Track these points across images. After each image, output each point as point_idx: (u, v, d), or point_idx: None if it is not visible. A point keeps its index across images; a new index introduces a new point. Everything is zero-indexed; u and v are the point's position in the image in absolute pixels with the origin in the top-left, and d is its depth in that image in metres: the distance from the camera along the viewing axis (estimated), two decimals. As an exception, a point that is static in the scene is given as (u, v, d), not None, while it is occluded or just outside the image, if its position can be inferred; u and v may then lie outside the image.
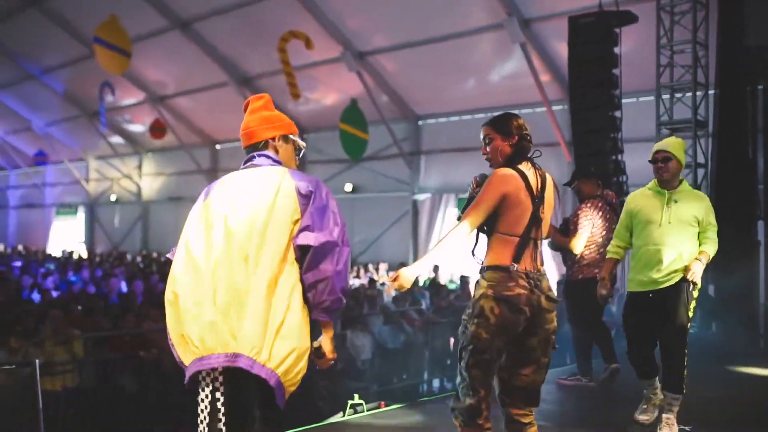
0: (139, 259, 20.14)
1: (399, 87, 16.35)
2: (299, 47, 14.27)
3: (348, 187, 18.27)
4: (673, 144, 4.33)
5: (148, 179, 24.29)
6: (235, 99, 17.83)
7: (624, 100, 9.23)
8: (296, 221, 2.69)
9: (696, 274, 4.14)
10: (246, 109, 3.06)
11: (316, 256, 2.67)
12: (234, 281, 2.60)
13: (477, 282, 3.21)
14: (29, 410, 4.50)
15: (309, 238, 2.66)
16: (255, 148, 2.97)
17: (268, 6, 14.73)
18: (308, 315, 2.70)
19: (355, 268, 16.23)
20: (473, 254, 3.31)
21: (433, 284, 13.73)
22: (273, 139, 2.98)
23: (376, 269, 16.29)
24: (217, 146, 21.82)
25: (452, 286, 13.74)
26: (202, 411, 2.64)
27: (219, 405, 2.63)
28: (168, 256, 2.90)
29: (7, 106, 23.49)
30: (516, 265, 3.12)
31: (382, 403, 4.99)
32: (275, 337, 2.59)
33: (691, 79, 9.05)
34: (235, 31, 16.23)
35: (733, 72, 8.51)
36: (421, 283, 14.67)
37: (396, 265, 16.55)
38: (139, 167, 24.50)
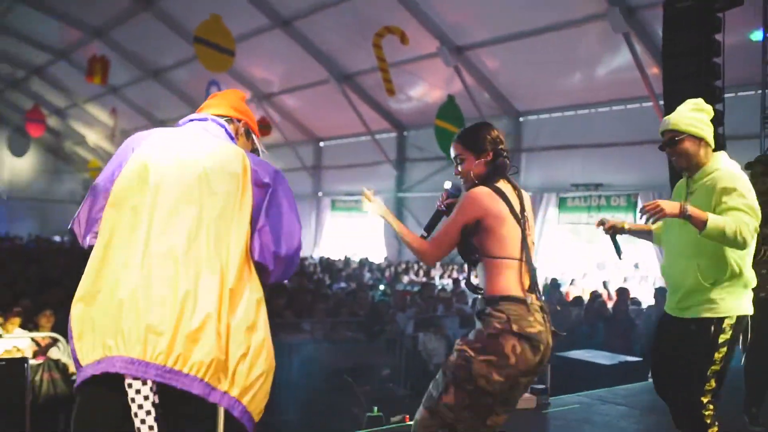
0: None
1: (498, 82, 15.86)
2: (397, 43, 14.07)
3: (447, 185, 17.86)
4: (679, 117, 3.20)
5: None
6: (336, 96, 17.94)
7: (727, 94, 8.40)
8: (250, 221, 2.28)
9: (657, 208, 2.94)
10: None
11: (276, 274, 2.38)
12: (195, 286, 2.14)
13: (486, 313, 2.73)
14: (17, 407, 4.51)
15: (267, 257, 2.29)
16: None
17: (366, 1, 14.63)
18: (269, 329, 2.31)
19: (450, 268, 15.90)
20: (469, 285, 2.91)
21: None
22: (239, 120, 2.59)
23: (472, 269, 15.87)
24: (321, 143, 22.03)
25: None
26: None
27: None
28: (85, 242, 2.34)
29: (128, 105, 24.71)
30: (531, 297, 2.72)
31: (407, 416, 4.67)
32: (240, 360, 2.17)
33: (804, 68, 8.08)
34: (334, 28, 16.26)
35: None
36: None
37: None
38: (248, 164, 25.10)
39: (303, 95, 19.74)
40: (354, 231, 20.79)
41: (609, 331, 9.00)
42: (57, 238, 25.96)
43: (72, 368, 6.04)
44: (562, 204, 15.58)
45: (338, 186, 21.42)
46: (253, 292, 2.26)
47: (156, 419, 2.16)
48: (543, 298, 2.83)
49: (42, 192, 31.39)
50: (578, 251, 16.69)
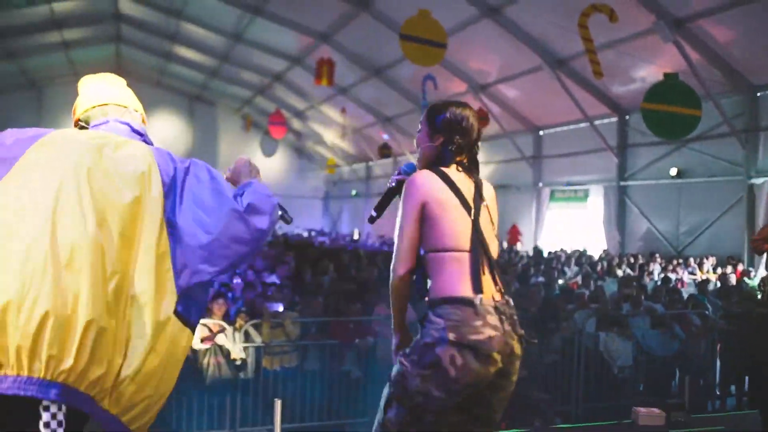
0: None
1: (729, 55, 14.17)
2: (609, 22, 13.11)
3: (673, 171, 16.43)
4: None
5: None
6: (551, 83, 17.24)
7: None
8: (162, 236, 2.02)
9: None
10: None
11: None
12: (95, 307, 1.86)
13: (426, 319, 2.43)
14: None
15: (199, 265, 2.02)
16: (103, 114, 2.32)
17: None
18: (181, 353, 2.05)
19: (674, 261, 14.56)
20: (419, 287, 2.54)
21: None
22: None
23: (699, 264, 14.40)
24: (540, 132, 21.34)
25: None
26: None
27: None
28: None
29: (356, 104, 25.94)
30: (480, 296, 2.35)
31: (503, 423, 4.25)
32: (128, 382, 1.93)
33: None
34: (543, 12, 15.61)
35: None
36: (755, 281, 12.57)
37: (724, 260, 14.46)
38: (471, 156, 25.10)
39: (518, 84, 19.26)
40: (574, 222, 19.91)
41: None
42: (305, 233, 28.32)
43: (234, 353, 6.44)
44: (806, 189, 13.55)
45: (557, 176, 20.62)
46: (159, 308, 1.98)
47: None
48: (507, 297, 2.43)
49: (289, 189, 34.01)
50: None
